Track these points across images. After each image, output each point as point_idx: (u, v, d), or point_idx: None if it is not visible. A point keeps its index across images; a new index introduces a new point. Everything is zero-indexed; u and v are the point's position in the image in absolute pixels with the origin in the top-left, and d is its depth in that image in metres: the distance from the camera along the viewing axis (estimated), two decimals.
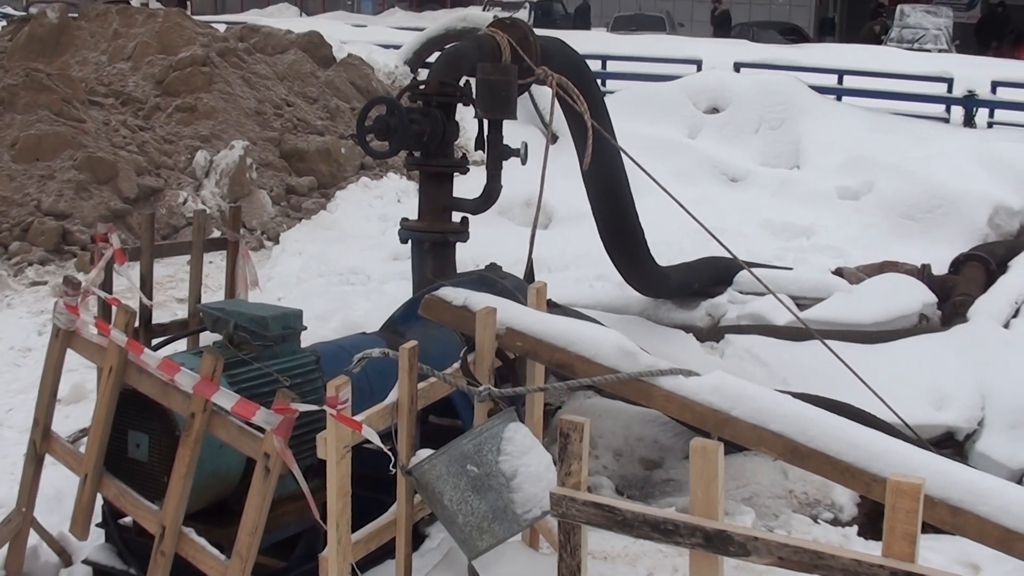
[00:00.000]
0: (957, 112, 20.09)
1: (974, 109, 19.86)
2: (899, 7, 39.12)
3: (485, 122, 8.26)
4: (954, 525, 4.32)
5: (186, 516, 5.46)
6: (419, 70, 19.72)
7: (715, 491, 3.90)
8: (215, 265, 11.66)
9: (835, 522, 7.85)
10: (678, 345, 10.21)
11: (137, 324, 7.71)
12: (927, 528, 4.64)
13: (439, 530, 6.42)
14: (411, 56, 20.69)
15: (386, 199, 15.81)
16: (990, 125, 19.83)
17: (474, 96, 8.15)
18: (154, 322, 8.15)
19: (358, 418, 4.88)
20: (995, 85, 20.22)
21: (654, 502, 7.95)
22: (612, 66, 22.24)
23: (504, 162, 8.32)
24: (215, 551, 5.41)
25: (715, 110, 18.59)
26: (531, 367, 5.66)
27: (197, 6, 50.22)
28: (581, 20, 42.60)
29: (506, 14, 22.94)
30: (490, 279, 7.51)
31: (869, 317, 10.91)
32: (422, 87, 8.23)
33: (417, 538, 6.41)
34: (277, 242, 14.41)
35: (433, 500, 5.05)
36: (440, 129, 8.01)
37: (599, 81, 21.02)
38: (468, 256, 9.66)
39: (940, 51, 34.30)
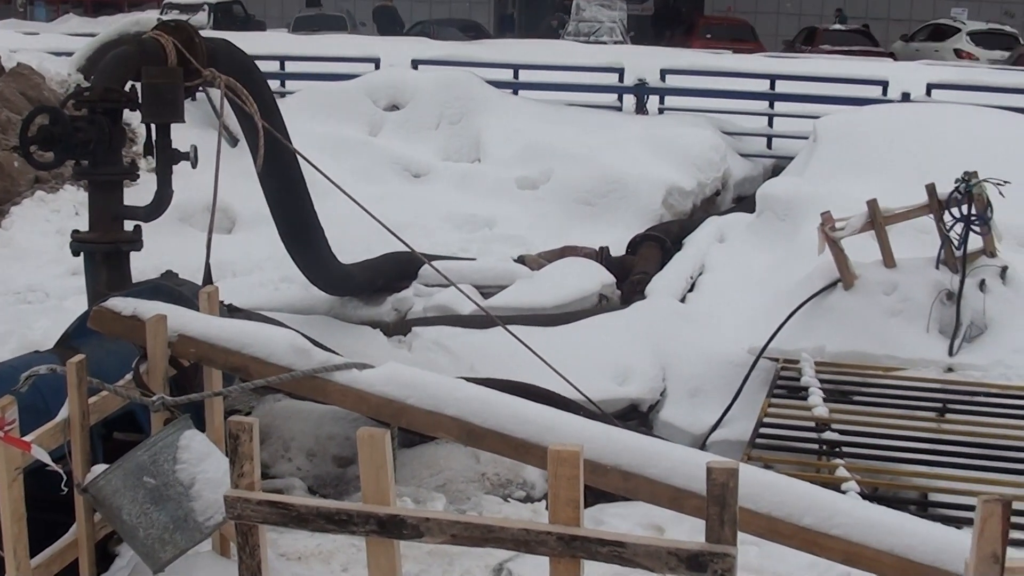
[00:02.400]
0: (629, 100, 20.75)
1: (645, 97, 20.55)
2: (575, 2, 40.19)
3: (153, 127, 8.12)
4: (627, 489, 4.46)
5: None
6: (92, 77, 19.14)
7: (385, 477, 3.96)
8: None
9: (527, 499, 8.06)
10: (366, 341, 10.29)
11: None
12: (613, 496, 4.84)
13: (129, 548, 6.29)
14: (84, 63, 20.05)
15: (63, 212, 15.29)
16: (661, 111, 20.56)
17: (140, 101, 8.00)
18: None
19: (27, 438, 4.75)
20: (664, 73, 20.98)
21: (348, 498, 7.98)
22: (291, 66, 22.10)
23: (175, 166, 8.18)
24: None
25: (395, 107, 18.68)
26: (207, 373, 5.61)
27: None
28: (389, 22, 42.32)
29: (185, 17, 22.53)
30: (166, 287, 7.38)
31: (551, 300, 11.25)
32: (86, 94, 8.03)
33: (108, 557, 6.27)
34: None
35: (112, 516, 4.96)
36: (106, 136, 7.81)
37: (279, 82, 20.97)
38: (150, 265, 9.47)
39: (616, 43, 35.42)
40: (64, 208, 15.43)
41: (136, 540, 4.91)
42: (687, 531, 5.87)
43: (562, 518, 3.85)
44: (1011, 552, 3.56)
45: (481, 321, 10.11)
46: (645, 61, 22.07)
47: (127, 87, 8.08)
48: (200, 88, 8.63)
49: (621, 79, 20.92)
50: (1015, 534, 6.53)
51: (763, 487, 4.29)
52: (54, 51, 22.21)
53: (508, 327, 8.39)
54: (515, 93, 20.44)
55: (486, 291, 11.30)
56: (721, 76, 20.88)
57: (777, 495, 4.27)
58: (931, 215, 9.83)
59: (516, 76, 21.18)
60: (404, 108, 18.53)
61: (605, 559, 3.81)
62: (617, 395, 9.55)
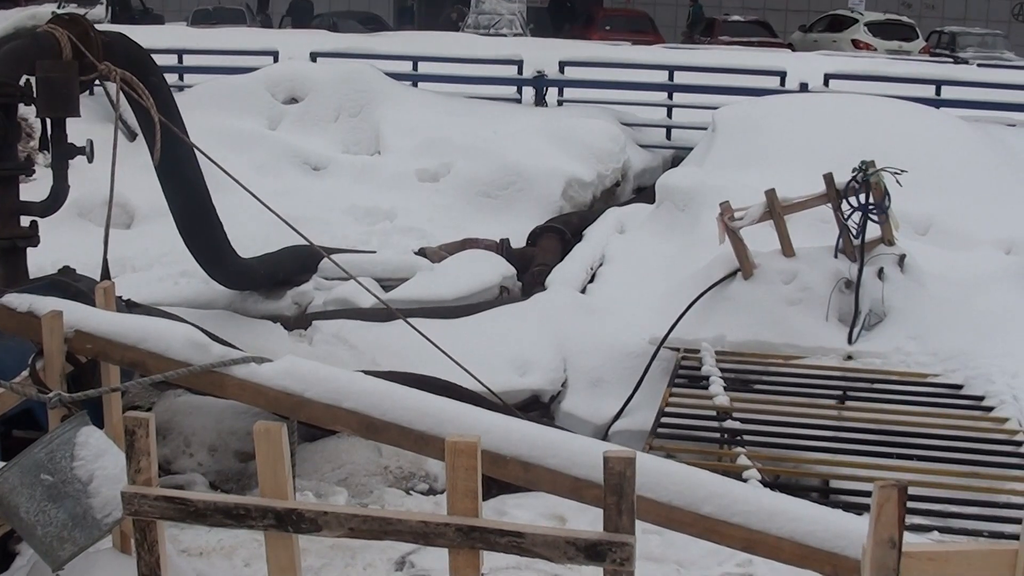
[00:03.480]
0: (528, 92, 20.77)
1: (544, 88, 20.60)
2: None
3: (48, 121, 8.04)
4: (527, 480, 4.51)
5: None
6: None
7: (283, 471, 3.99)
8: None
9: (430, 492, 8.10)
10: (266, 335, 10.23)
11: None
12: (516, 488, 4.87)
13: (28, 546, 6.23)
14: None
15: None
16: (560, 103, 20.61)
17: (35, 95, 7.92)
18: None
19: None
20: (563, 65, 21.04)
21: (251, 493, 7.95)
22: (190, 60, 21.84)
23: (72, 161, 8.11)
24: None
25: (294, 100, 18.54)
26: (105, 368, 5.57)
27: None
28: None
29: (82, 11, 22.14)
30: (63, 283, 7.32)
31: (452, 292, 11.27)
32: None
33: (8, 556, 6.21)
34: None
35: (10, 514, 4.91)
36: (1, 131, 7.73)
37: (177, 76, 20.76)
38: (48, 261, 9.35)
39: (515, 35, 35.39)
40: None
41: (34, 538, 4.87)
42: (590, 521, 5.91)
43: (460, 509, 3.89)
44: (908, 537, 3.64)
45: (382, 314, 10.10)
46: (545, 53, 22.12)
47: (22, 81, 7.98)
48: (97, 82, 8.52)
49: (520, 71, 20.95)
50: (913, 519, 6.69)
51: (662, 476, 4.35)
52: None
53: (409, 320, 8.42)
54: (415, 85, 20.40)
55: (387, 284, 11.31)
56: (620, 68, 20.97)
57: (676, 484, 4.34)
58: (829, 204, 10.00)
59: (415, 68, 21.13)
60: (303, 101, 18.39)
61: (504, 549, 3.86)
62: (519, 386, 9.60)
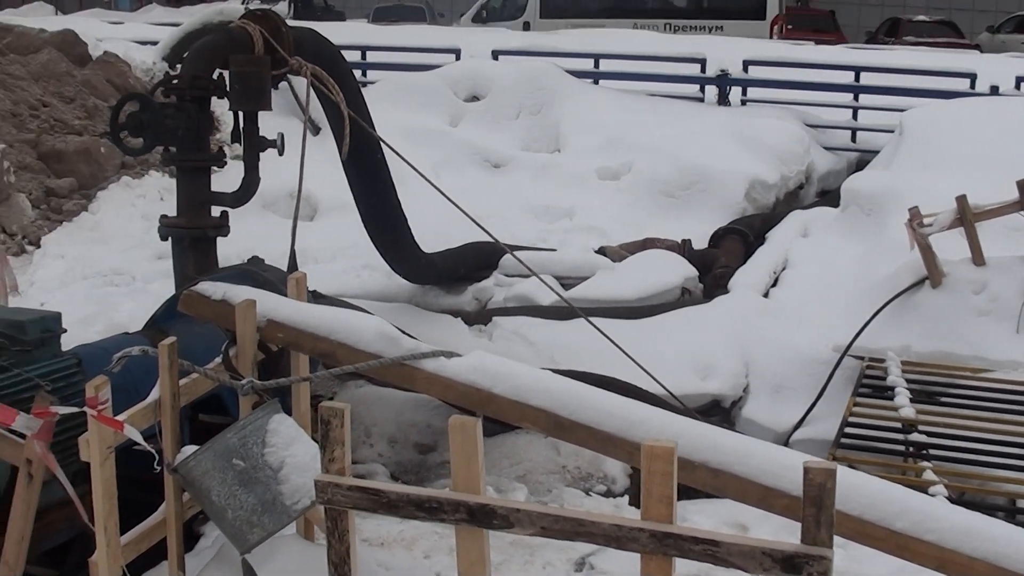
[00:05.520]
0: (711, 91, 20.58)
1: (727, 87, 20.38)
2: None
3: (240, 114, 8.19)
4: (715, 487, 4.43)
5: None
6: (177, 66, 19.35)
7: (476, 466, 3.97)
8: None
9: (608, 494, 8.06)
10: (447, 330, 10.31)
11: None
12: (695, 493, 4.80)
13: (213, 528, 6.34)
14: (168, 52, 20.28)
15: (149, 197, 15.47)
16: (743, 103, 20.37)
17: (228, 89, 8.08)
18: None
19: (120, 418, 4.81)
20: (746, 64, 20.80)
21: (430, 485, 8.02)
22: (372, 56, 22.14)
23: (262, 154, 8.25)
24: None
25: (475, 98, 18.67)
26: (295, 358, 5.65)
27: None
28: None
29: (264, 6, 22.64)
30: (252, 272, 7.45)
31: (633, 293, 11.18)
32: (175, 81, 8.12)
33: (192, 537, 6.35)
34: (38, 246, 13.97)
35: (201, 496, 5.02)
36: (194, 123, 7.92)
37: (360, 72, 21.04)
38: (233, 251, 9.56)
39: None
40: (149, 193, 15.62)
41: (224, 521, 4.96)
42: (772, 530, 5.82)
43: (654, 514, 3.82)
44: None
45: (562, 312, 10.09)
46: (727, 51, 21.88)
47: (215, 75, 8.15)
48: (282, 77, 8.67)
49: (703, 69, 20.76)
50: None
51: (854, 488, 4.23)
52: (139, 40, 22.46)
53: (590, 319, 8.38)
54: (596, 83, 20.35)
55: (566, 282, 11.26)
56: (804, 68, 20.63)
57: (868, 497, 4.22)
58: (1022, 212, 9.67)
59: (596, 65, 21.09)
60: (484, 99, 18.50)
61: (698, 557, 3.78)
62: (699, 390, 9.51)
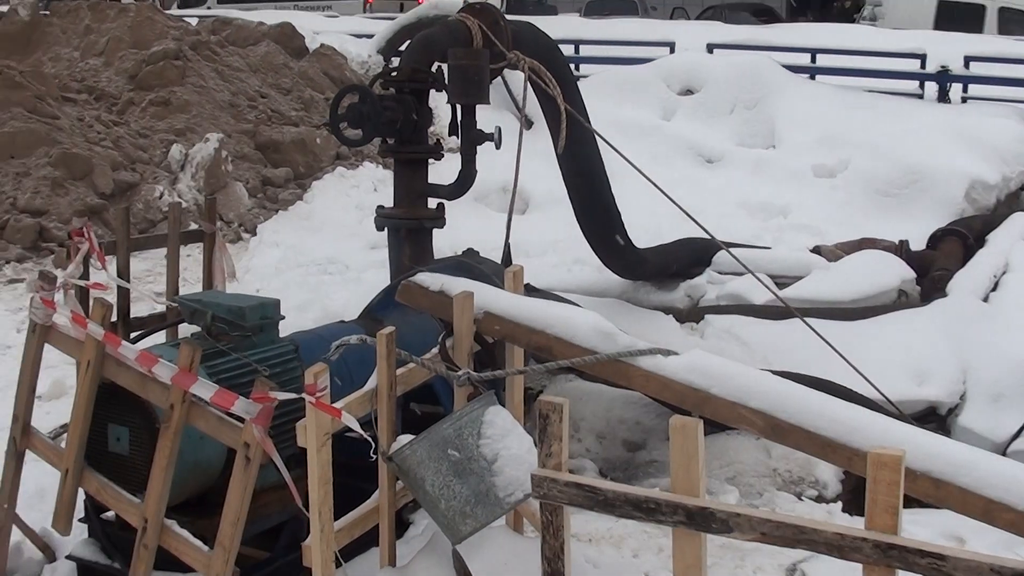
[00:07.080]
0: (931, 88, 20.03)
1: (948, 84, 19.81)
2: None
3: (458, 108, 8.24)
4: (937, 497, 4.30)
5: (169, 508, 5.46)
6: (392, 59, 19.66)
7: (696, 468, 3.90)
8: (192, 258, 11.62)
9: (819, 499, 7.88)
10: (658, 326, 10.22)
11: (115, 318, 7.71)
12: (911, 502, 4.65)
13: (423, 516, 6.40)
14: (384, 45, 20.62)
15: (362, 188, 15.76)
16: (964, 100, 19.77)
17: (446, 82, 8.13)
18: (132, 315, 8.12)
19: (337, 405, 4.87)
20: (968, 60, 20.19)
21: (638, 483, 7.95)
22: (585, 50, 22.14)
23: (478, 147, 8.29)
24: (198, 543, 5.40)
25: (689, 92, 18.51)
26: (510, 350, 5.65)
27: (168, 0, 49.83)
28: None
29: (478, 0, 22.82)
30: (467, 264, 7.50)
31: (848, 294, 10.92)
32: (394, 74, 8.21)
33: (401, 525, 6.42)
34: (254, 234, 14.36)
35: (415, 486, 5.05)
36: (413, 116, 7.98)
37: (572, 65, 21.06)
38: (446, 242, 9.63)
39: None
40: (363, 184, 15.90)
41: (437, 511, 4.98)
42: (990, 544, 5.62)
43: (879, 524, 3.71)
44: None
45: (775, 312, 9.92)
46: (947, 47, 21.25)
47: (434, 68, 8.21)
48: (500, 71, 8.70)
49: (923, 66, 20.21)
50: None
51: None
52: (354, 33, 22.91)
53: (805, 319, 8.22)
54: (811, 78, 20.00)
55: (780, 281, 11.04)
56: None
57: None
58: None
59: (813, 60, 20.72)
60: (698, 92, 18.34)
61: (923, 571, 3.64)
62: (916, 396, 9.23)
